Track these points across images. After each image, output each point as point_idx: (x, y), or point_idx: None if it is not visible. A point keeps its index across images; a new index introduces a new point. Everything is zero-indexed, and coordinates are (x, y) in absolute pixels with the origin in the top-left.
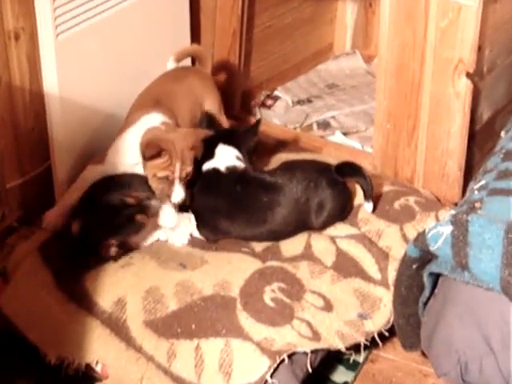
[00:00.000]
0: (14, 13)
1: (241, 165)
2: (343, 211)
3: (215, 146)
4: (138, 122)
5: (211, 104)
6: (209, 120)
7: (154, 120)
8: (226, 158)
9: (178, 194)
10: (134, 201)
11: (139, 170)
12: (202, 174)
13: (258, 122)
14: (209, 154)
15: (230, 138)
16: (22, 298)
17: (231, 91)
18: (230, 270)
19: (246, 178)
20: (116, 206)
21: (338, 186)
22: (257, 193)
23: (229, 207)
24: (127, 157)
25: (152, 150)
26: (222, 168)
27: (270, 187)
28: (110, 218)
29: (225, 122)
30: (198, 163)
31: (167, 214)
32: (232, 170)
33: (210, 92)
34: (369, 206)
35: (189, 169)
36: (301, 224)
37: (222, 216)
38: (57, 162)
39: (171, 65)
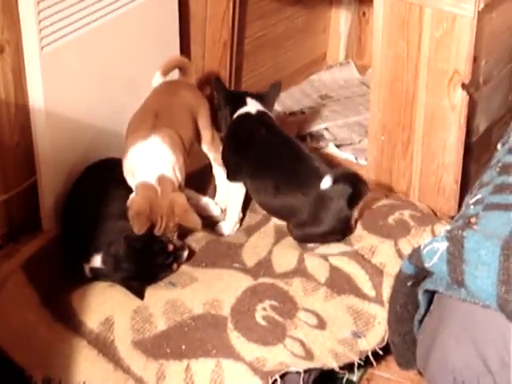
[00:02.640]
0: None
1: (269, 113)
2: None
3: (244, 98)
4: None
5: (205, 118)
6: (217, 82)
7: (153, 147)
8: (256, 105)
9: None
10: (173, 248)
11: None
12: (233, 119)
13: (279, 83)
14: (240, 103)
15: (255, 95)
16: (6, 317)
17: None
18: (221, 287)
19: (271, 124)
20: (156, 251)
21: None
22: (278, 141)
23: (249, 146)
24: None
25: (141, 221)
26: (253, 111)
27: (292, 147)
28: (150, 263)
29: (214, 136)
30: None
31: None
32: (262, 114)
33: (202, 105)
34: (327, 180)
35: (171, 230)
36: (294, 197)
37: (241, 152)
38: (43, 177)
39: (158, 79)
